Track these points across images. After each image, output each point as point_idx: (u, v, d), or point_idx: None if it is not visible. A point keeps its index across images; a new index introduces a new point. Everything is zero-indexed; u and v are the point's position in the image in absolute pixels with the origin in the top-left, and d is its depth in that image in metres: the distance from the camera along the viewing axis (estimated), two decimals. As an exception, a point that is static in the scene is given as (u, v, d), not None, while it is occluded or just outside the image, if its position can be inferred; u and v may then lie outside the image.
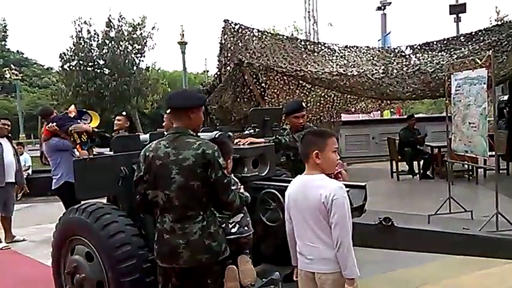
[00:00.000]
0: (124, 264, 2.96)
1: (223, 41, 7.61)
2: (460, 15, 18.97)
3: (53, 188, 5.32)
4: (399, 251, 3.53)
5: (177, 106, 2.60)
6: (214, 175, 2.45)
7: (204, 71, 40.73)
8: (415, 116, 11.72)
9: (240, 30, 7.55)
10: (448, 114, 6.54)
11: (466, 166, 8.91)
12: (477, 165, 7.46)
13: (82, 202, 3.41)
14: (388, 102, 9.80)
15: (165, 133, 4.84)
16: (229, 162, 2.99)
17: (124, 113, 5.86)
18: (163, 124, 5.29)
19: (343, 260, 2.22)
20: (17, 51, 52.58)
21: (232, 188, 2.62)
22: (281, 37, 8.42)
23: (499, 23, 14.19)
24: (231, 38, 7.48)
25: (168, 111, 3.34)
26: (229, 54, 7.47)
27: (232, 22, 7.51)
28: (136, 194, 2.64)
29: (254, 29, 7.77)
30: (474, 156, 6.19)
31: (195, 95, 2.76)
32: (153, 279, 2.96)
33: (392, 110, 16.35)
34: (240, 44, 7.44)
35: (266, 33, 8.23)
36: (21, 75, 36.54)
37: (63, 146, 5.25)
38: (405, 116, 12.67)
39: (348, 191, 3.07)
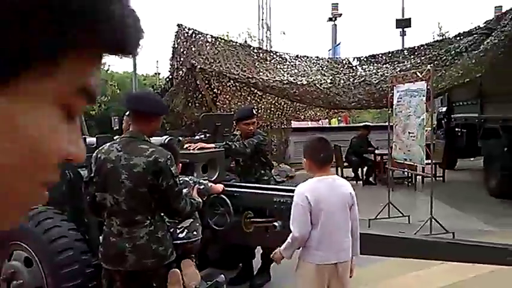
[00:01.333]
0: (66, 270, 2.91)
1: (176, 45, 7.59)
2: (405, 29, 19.98)
3: None
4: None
5: (142, 110, 2.58)
6: (165, 183, 2.47)
7: (155, 73, 40.09)
8: (362, 124, 12.17)
9: (193, 36, 7.57)
10: (390, 124, 6.88)
11: (406, 173, 9.38)
12: (416, 172, 7.88)
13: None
14: (336, 110, 10.16)
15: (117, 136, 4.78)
16: (178, 167, 3.01)
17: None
18: (123, 127, 5.17)
19: (357, 245, 2.67)
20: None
21: (184, 191, 2.65)
22: (234, 44, 8.51)
23: (440, 38, 15.08)
24: (184, 43, 7.48)
25: (127, 113, 3.30)
26: (181, 59, 7.46)
27: (186, 27, 7.52)
28: (86, 195, 2.60)
29: (208, 34, 7.81)
30: (413, 164, 6.56)
31: (161, 103, 2.80)
32: (96, 284, 2.93)
33: (339, 118, 16.86)
34: (193, 49, 7.46)
35: (220, 39, 8.31)
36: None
37: None
38: (352, 124, 13.13)
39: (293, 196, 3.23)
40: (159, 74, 39.59)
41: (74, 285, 2.90)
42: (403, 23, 19.95)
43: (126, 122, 5.02)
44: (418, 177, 9.29)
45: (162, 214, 2.64)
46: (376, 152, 9.97)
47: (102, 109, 26.85)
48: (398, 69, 7.80)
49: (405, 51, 8.87)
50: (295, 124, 12.97)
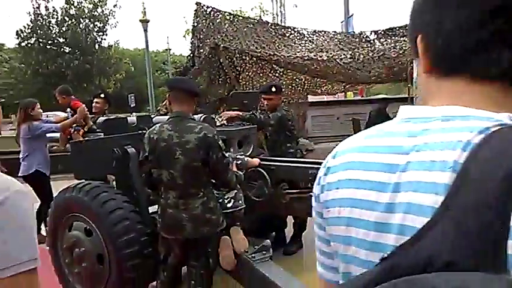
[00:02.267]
0: (124, 238, 3.19)
1: (195, 24, 7.73)
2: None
3: (20, 174, 5.01)
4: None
5: (187, 89, 2.82)
6: (215, 156, 2.73)
7: (166, 49, 40.06)
8: (379, 96, 12.27)
9: (212, 13, 7.68)
10: (411, 96, 7.03)
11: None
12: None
13: (76, 182, 3.59)
14: (353, 84, 10.25)
15: (160, 113, 5.04)
16: None
17: (102, 95, 5.83)
18: (166, 104, 5.41)
19: None
20: (-35, 26, 49.64)
21: (229, 167, 2.92)
22: (252, 20, 8.60)
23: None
24: (204, 21, 7.60)
25: (168, 94, 3.54)
26: (201, 37, 7.60)
27: (204, 5, 7.63)
28: (142, 172, 2.88)
29: (226, 12, 7.92)
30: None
31: (196, 85, 3.04)
32: (150, 251, 3.23)
33: (355, 91, 16.91)
34: (212, 27, 7.58)
35: (237, 16, 8.40)
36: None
37: (45, 131, 5.10)
38: (369, 97, 13.21)
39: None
40: (169, 50, 39.61)
41: (132, 252, 3.18)
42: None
43: (168, 102, 5.27)
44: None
45: (211, 186, 2.91)
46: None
47: (117, 87, 27.16)
48: (417, 42, 7.82)
49: (423, 24, 8.85)
50: (312, 98, 13.11)
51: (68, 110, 5.48)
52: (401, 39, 8.26)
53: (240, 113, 4.29)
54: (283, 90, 5.63)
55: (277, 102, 4.66)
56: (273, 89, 4.62)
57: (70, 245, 3.41)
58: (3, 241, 1.13)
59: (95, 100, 5.63)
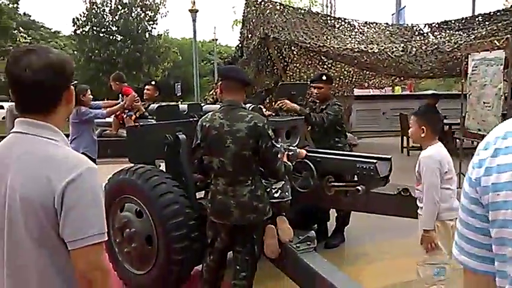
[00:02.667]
0: (173, 221, 3.29)
1: (245, 14, 7.78)
2: (477, -9, 18.74)
3: None
4: (415, 219, 3.88)
5: (239, 79, 2.88)
6: (264, 145, 2.77)
7: (213, 39, 40.43)
8: (429, 92, 11.89)
9: (262, 4, 7.70)
10: (464, 93, 6.77)
11: (475, 144, 9.19)
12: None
13: (129, 165, 3.73)
14: (402, 78, 9.99)
15: (207, 102, 5.15)
16: None
17: (153, 83, 6.03)
18: (213, 94, 5.53)
19: None
20: (24, 13, 52.23)
21: (278, 156, 2.94)
22: (302, 11, 8.55)
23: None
24: (254, 11, 7.64)
25: (219, 82, 3.61)
26: (251, 27, 7.65)
27: (255, -5, 7.67)
28: (194, 159, 2.96)
29: (276, 2, 7.92)
30: (486, 134, 6.46)
31: (247, 75, 3.08)
32: (197, 234, 3.33)
33: (403, 86, 16.48)
34: (262, 18, 7.61)
35: (287, 7, 8.38)
36: (30, 38, 36.53)
37: (92, 117, 5.26)
38: (418, 92, 12.84)
39: (375, 163, 3.42)
40: (216, 40, 39.97)
41: (180, 235, 3.28)
42: (475, -16, 18.71)
43: (219, 90, 5.37)
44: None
45: (260, 175, 2.95)
46: (445, 121, 9.78)
47: (165, 75, 27.81)
48: (473, 36, 7.53)
49: (480, 17, 8.49)
50: (357, 91, 12.91)
51: (120, 96, 5.68)
52: (457, 33, 7.98)
53: (298, 108, 4.28)
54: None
55: (327, 91, 4.59)
56: (324, 78, 4.56)
57: (121, 226, 3.56)
58: (76, 214, 1.23)
59: (146, 87, 5.84)
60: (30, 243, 1.27)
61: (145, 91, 5.80)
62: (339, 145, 4.53)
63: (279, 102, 4.26)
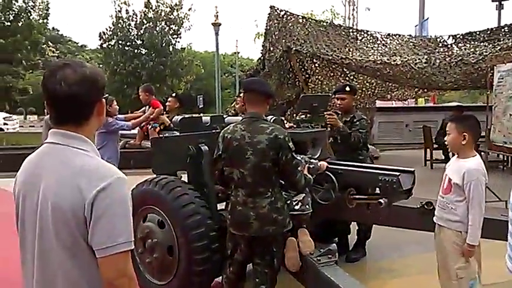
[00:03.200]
0: (194, 232, 3.31)
1: (268, 27, 7.86)
2: (502, 2, 18.49)
3: None
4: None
5: (262, 91, 2.90)
6: (284, 157, 2.78)
7: (235, 52, 40.84)
8: (453, 104, 11.68)
9: (285, 17, 7.77)
10: (489, 105, 6.65)
11: (501, 156, 8.97)
12: (515, 156, 7.56)
13: (153, 176, 3.79)
14: (425, 90, 9.86)
15: (229, 114, 5.20)
16: None
17: (174, 95, 6.21)
18: (236, 106, 5.66)
19: None
20: (53, 28, 53.95)
21: (299, 169, 2.94)
22: (324, 24, 8.58)
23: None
24: (276, 24, 7.72)
25: (241, 94, 3.65)
26: (273, 40, 7.72)
27: (277, 8, 7.74)
28: (216, 170, 2.99)
29: (299, 16, 7.97)
30: (513, 147, 6.33)
31: (270, 87, 3.10)
32: (218, 246, 3.34)
33: (427, 98, 16.25)
34: (284, 31, 7.67)
35: (310, 20, 8.43)
36: (58, 52, 37.65)
37: (118, 128, 5.31)
38: (441, 104, 12.63)
39: (398, 175, 3.38)
40: (238, 53, 40.36)
41: (200, 246, 3.30)
42: (501, -5, 18.45)
43: (241, 102, 5.46)
44: (515, 161, 8.86)
45: (280, 187, 2.95)
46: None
47: (188, 88, 28.17)
48: (499, 47, 7.40)
49: (506, 28, 8.35)
50: (379, 103, 12.79)
51: (145, 107, 5.81)
52: (482, 44, 7.86)
53: (341, 125, 4.27)
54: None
55: (350, 103, 4.56)
56: (347, 89, 4.56)
57: (143, 236, 3.59)
58: (105, 223, 1.27)
59: (168, 99, 6.03)
60: (61, 251, 1.32)
61: (167, 103, 5.97)
62: (361, 157, 4.49)
63: (327, 115, 4.22)
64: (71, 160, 1.34)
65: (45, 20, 23.37)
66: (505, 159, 9.15)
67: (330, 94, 4.98)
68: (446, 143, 2.97)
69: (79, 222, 1.29)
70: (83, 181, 1.29)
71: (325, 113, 4.29)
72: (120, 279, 1.31)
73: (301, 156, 3.39)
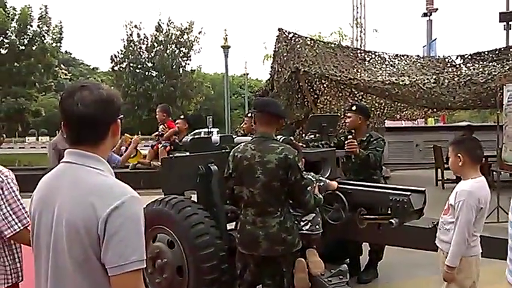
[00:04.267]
0: (204, 252, 3.31)
1: (276, 49, 7.97)
2: (510, 22, 18.51)
3: None
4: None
5: (273, 113, 2.93)
6: (294, 177, 2.79)
7: (244, 74, 41.25)
8: (463, 124, 11.63)
9: (293, 39, 7.88)
10: (500, 124, 6.61)
11: (514, 176, 8.86)
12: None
13: (163, 196, 3.80)
14: (435, 110, 9.84)
15: (238, 134, 5.22)
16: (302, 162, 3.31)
17: (182, 116, 6.32)
18: (244, 126, 5.72)
19: None
20: (65, 51, 55.08)
21: (308, 189, 2.94)
22: (332, 45, 8.67)
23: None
24: (285, 46, 7.82)
25: (249, 114, 3.68)
26: (282, 61, 7.81)
27: (286, 31, 7.86)
28: (226, 189, 3.01)
29: (307, 37, 8.08)
30: (525, 167, 6.26)
31: (282, 107, 3.13)
32: (227, 266, 3.32)
33: (437, 117, 16.21)
34: (292, 52, 7.77)
35: (318, 41, 8.54)
36: (70, 74, 38.37)
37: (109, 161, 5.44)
38: (451, 124, 12.57)
39: (409, 195, 3.36)
40: (247, 74, 40.77)
41: (210, 266, 3.30)
42: (508, 16, 18.46)
43: (248, 122, 5.51)
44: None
45: (289, 207, 2.95)
46: (480, 153, 9.50)
47: (197, 109, 28.44)
48: (507, 67, 7.41)
49: (514, 48, 8.37)
50: (389, 123, 12.77)
51: (161, 127, 5.91)
52: (490, 64, 7.87)
53: (358, 151, 4.26)
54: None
55: (356, 121, 4.50)
56: (353, 108, 4.58)
57: (153, 256, 3.59)
58: (118, 241, 1.28)
59: (177, 121, 6.13)
60: (73, 268, 1.33)
61: (176, 124, 6.06)
62: (375, 177, 4.46)
63: (347, 142, 4.24)
64: (86, 179, 1.37)
65: (58, 44, 23.86)
66: (518, 179, 9.03)
67: (339, 114, 5.01)
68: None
69: (92, 240, 1.30)
70: (97, 199, 1.31)
71: (346, 141, 4.29)
72: None
73: (312, 175, 3.39)
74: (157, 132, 5.90)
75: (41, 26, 22.32)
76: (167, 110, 6.06)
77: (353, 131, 4.55)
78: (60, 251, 1.34)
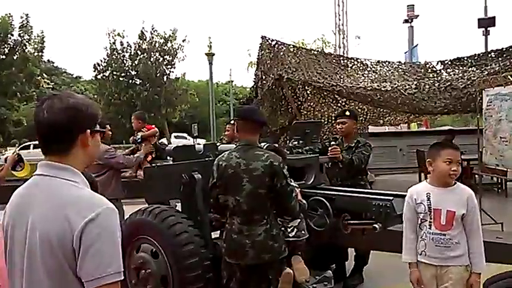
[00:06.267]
0: (188, 261, 3.27)
1: (260, 56, 8.00)
2: (489, 28, 18.96)
3: None
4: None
5: (257, 119, 2.93)
6: (279, 184, 2.79)
7: (229, 81, 41.33)
8: (445, 128, 11.80)
9: (276, 46, 7.92)
10: (480, 128, 6.73)
11: (495, 179, 9.01)
12: (507, 178, 7.60)
13: (146, 206, 3.77)
14: (417, 115, 9.98)
15: (222, 142, 5.20)
16: None
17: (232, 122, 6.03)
18: (226, 134, 5.63)
19: None
20: (48, 60, 54.38)
21: (293, 195, 2.95)
22: (315, 52, 8.75)
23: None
24: (268, 53, 7.86)
25: (232, 121, 3.68)
26: (265, 69, 7.84)
27: (269, 38, 7.90)
28: (211, 198, 2.99)
29: (290, 45, 8.14)
30: (505, 169, 6.37)
31: (263, 114, 3.14)
32: (212, 275, 3.29)
33: (419, 122, 16.42)
34: (276, 59, 7.81)
35: (301, 48, 8.61)
36: (52, 84, 37.90)
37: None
38: (433, 129, 12.74)
39: (391, 200, 3.39)
40: (232, 81, 40.83)
41: (194, 276, 3.26)
42: (487, 22, 18.93)
43: (231, 130, 5.46)
44: (508, 183, 8.90)
45: (275, 214, 2.95)
46: (462, 157, 9.66)
47: (182, 117, 28.36)
48: (486, 72, 7.57)
49: (492, 54, 8.55)
50: (372, 129, 12.89)
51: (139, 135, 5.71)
52: (470, 69, 8.03)
53: (341, 157, 4.29)
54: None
55: (351, 127, 4.54)
56: (347, 113, 4.60)
57: (137, 266, 3.55)
58: (94, 253, 1.25)
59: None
60: (49, 282, 1.30)
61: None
62: (362, 183, 4.50)
63: (331, 149, 4.26)
64: (59, 191, 1.34)
65: (40, 53, 23.61)
66: (499, 181, 9.19)
67: (322, 121, 5.04)
68: None
69: (67, 254, 1.27)
70: (72, 212, 1.28)
71: (329, 148, 4.31)
72: None
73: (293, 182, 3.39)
74: (133, 138, 5.55)
75: (22, 34, 22.09)
76: (142, 117, 5.78)
77: (339, 137, 4.59)
78: (35, 265, 1.31)
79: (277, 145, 4.40)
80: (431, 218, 2.65)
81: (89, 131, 1.42)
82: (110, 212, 1.32)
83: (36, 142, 1.54)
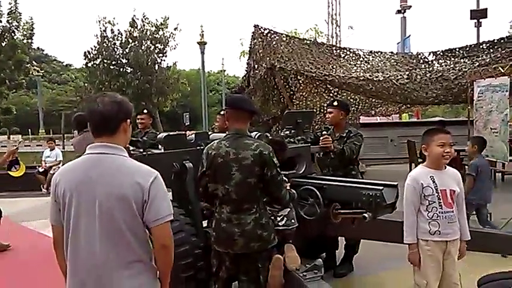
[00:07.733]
0: (178, 250, 3.25)
1: (252, 45, 7.95)
2: (480, 20, 19.02)
3: None
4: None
5: (246, 109, 2.92)
6: (269, 173, 2.78)
7: (221, 70, 41.11)
8: (436, 119, 11.86)
9: (269, 35, 7.87)
10: (470, 119, 6.78)
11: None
12: (495, 168, 7.68)
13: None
14: (408, 105, 10.02)
15: (214, 131, 5.18)
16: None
17: (145, 111, 6.03)
18: (217, 124, 5.58)
19: None
20: (38, 47, 53.65)
21: (283, 184, 2.95)
22: (308, 42, 8.71)
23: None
24: (260, 43, 7.81)
25: (222, 112, 3.66)
26: (258, 58, 7.80)
27: (262, 27, 7.84)
28: (200, 187, 2.98)
29: (282, 34, 8.09)
30: (494, 160, 6.44)
31: (254, 103, 3.12)
32: (203, 263, 3.30)
33: (411, 113, 16.50)
34: (268, 49, 7.76)
35: (294, 38, 8.56)
36: (42, 71, 37.44)
37: None
38: (425, 119, 12.80)
39: (381, 189, 3.41)
40: (224, 71, 40.63)
41: (185, 264, 3.26)
42: (479, 14, 18.99)
43: (221, 120, 5.43)
44: (497, 174, 9.00)
45: (265, 203, 2.95)
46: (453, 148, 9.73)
47: (174, 106, 28.17)
48: (477, 63, 7.60)
49: (484, 45, 8.58)
50: (364, 119, 12.93)
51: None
52: (461, 60, 8.06)
53: (332, 146, 4.30)
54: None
55: (338, 117, 4.51)
56: (335, 103, 4.59)
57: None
58: (157, 203, 1.88)
59: (139, 116, 5.89)
60: (125, 228, 1.86)
61: (138, 120, 5.86)
62: (353, 173, 4.51)
63: (322, 138, 4.27)
64: (125, 164, 1.91)
65: (29, 40, 23.24)
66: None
67: (314, 110, 5.03)
68: None
69: (139, 207, 1.85)
70: (139, 177, 1.86)
71: (321, 138, 4.31)
72: (166, 239, 1.94)
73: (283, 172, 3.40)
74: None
75: (10, 21, 21.70)
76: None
77: (331, 126, 4.58)
78: (113, 218, 1.83)
79: (268, 135, 4.40)
80: (439, 199, 2.90)
81: (128, 120, 1.98)
82: (159, 176, 1.94)
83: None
